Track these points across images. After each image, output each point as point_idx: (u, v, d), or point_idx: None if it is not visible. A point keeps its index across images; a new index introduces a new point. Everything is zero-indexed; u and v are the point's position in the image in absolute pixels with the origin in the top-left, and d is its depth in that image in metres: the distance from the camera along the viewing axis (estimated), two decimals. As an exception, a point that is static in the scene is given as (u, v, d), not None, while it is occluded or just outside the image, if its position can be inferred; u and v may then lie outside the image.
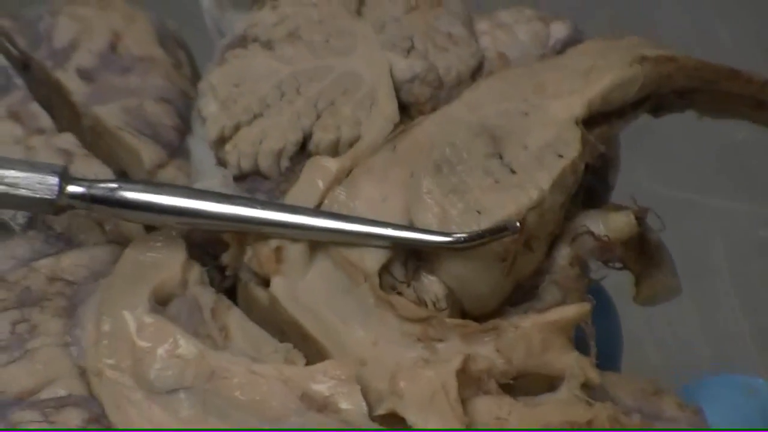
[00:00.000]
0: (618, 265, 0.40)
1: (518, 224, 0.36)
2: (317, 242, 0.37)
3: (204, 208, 0.37)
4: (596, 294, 0.41)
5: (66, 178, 0.37)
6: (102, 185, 0.37)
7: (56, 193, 0.37)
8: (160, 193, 0.37)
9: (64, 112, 0.40)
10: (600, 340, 0.38)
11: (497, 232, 0.37)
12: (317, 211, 0.37)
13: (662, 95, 0.41)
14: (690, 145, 0.72)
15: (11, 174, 0.37)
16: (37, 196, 0.37)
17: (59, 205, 0.37)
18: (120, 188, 0.37)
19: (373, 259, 0.37)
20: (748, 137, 0.74)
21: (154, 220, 0.38)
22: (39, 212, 0.38)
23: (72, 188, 0.37)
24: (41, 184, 0.37)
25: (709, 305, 0.67)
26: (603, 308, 0.43)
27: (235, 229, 0.38)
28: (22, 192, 0.37)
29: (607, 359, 0.40)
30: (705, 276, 0.68)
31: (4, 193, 0.37)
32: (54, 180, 0.37)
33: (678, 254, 0.41)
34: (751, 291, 0.69)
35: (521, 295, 0.39)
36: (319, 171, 0.38)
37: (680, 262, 0.42)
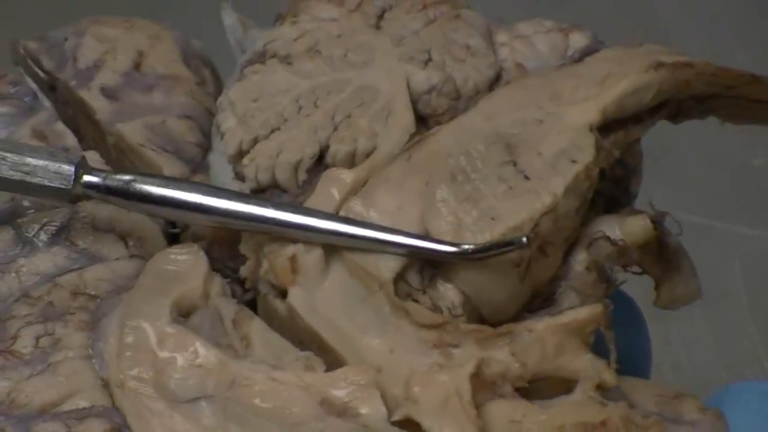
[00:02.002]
0: (637, 269, 0.40)
1: (525, 240, 0.36)
2: (332, 252, 0.37)
3: (219, 205, 0.37)
4: (626, 306, 0.42)
5: (83, 167, 0.37)
6: (118, 176, 0.37)
7: (71, 182, 0.37)
8: (176, 188, 0.37)
9: (89, 131, 0.40)
10: (628, 350, 0.39)
11: (504, 245, 0.37)
12: (332, 215, 0.38)
13: (681, 101, 0.41)
14: (707, 170, 0.72)
15: (29, 161, 0.37)
16: (53, 184, 0.37)
17: (74, 194, 0.37)
18: (135, 180, 0.37)
19: (387, 268, 0.37)
20: (765, 163, 0.74)
21: (169, 214, 0.38)
22: (55, 201, 0.38)
23: (88, 178, 0.37)
24: (57, 173, 0.37)
25: (725, 329, 0.67)
26: (632, 320, 0.43)
27: (250, 228, 0.38)
28: (37, 180, 0.37)
29: (636, 369, 0.40)
30: (722, 300, 0.68)
31: (20, 180, 0.37)
32: (69, 169, 0.37)
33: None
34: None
35: (540, 301, 0.39)
36: (335, 182, 0.38)
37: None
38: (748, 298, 0.69)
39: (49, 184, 0.37)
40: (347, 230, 0.37)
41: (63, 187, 0.37)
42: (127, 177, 0.37)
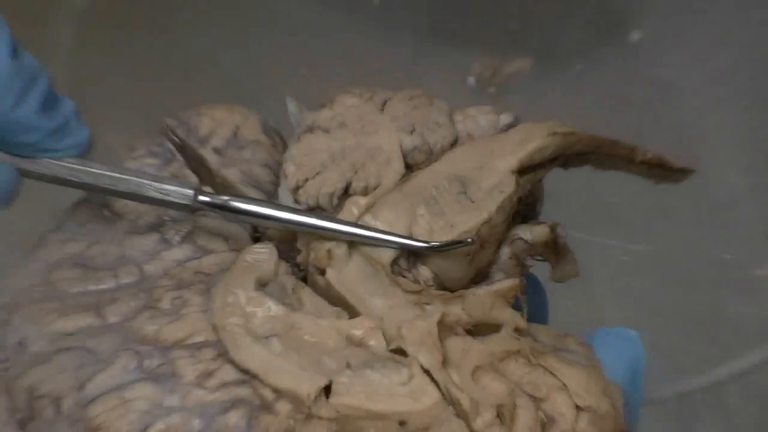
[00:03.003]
0: (540, 258, 0.40)
1: (470, 240, 0.37)
2: (353, 246, 0.37)
3: (284, 216, 0.37)
4: (533, 281, 0.42)
5: (198, 191, 0.37)
6: (220, 197, 0.37)
7: (192, 200, 0.37)
8: (257, 206, 0.37)
9: (205, 174, 0.40)
10: (534, 307, 0.39)
11: (459, 243, 0.37)
12: (353, 224, 0.37)
13: (567, 156, 0.41)
14: (581, 203, 0.69)
15: (166, 187, 0.37)
16: (181, 201, 0.37)
17: (193, 208, 0.37)
18: (231, 200, 0.37)
19: (387, 256, 0.37)
20: (619, 200, 0.71)
21: (253, 222, 0.38)
22: (182, 212, 0.38)
23: (201, 197, 0.37)
24: (183, 194, 0.37)
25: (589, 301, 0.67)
26: (536, 289, 0.42)
27: (303, 231, 0.38)
28: (171, 198, 0.37)
29: (539, 319, 0.40)
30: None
31: (160, 199, 0.37)
32: (191, 192, 0.37)
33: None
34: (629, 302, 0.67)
35: (481, 278, 0.39)
36: (355, 204, 0.38)
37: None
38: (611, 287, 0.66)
39: (178, 201, 0.37)
40: (362, 233, 0.37)
41: (187, 203, 0.37)
42: (225, 197, 0.37)
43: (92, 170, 0.36)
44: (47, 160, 0.36)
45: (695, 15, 0.78)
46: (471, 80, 0.75)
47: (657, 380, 0.64)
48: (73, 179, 0.36)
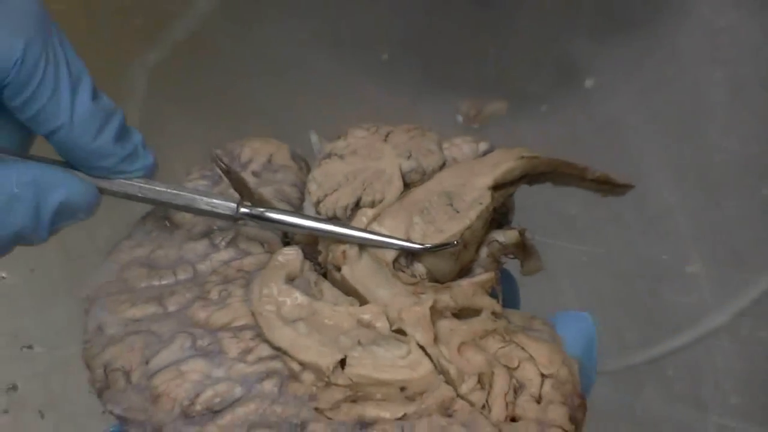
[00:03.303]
0: (512, 256, 0.40)
1: (455, 243, 0.37)
2: (363, 247, 0.38)
3: (308, 224, 0.38)
4: (506, 275, 0.42)
5: (240, 204, 0.38)
6: (257, 209, 0.38)
7: (234, 211, 0.37)
8: (287, 216, 0.38)
9: (245, 192, 0.40)
10: (507, 296, 0.39)
11: (446, 245, 0.37)
12: (363, 230, 0.38)
13: (532, 175, 0.41)
14: (546, 217, 0.70)
15: (214, 201, 0.37)
16: (225, 213, 0.37)
17: (236, 218, 0.38)
18: (266, 211, 0.38)
19: (390, 255, 0.38)
20: (578, 211, 0.72)
21: (283, 228, 0.38)
22: (226, 221, 0.38)
23: (242, 209, 0.37)
24: (227, 206, 0.37)
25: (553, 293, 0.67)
26: (509, 281, 0.42)
27: (324, 236, 0.38)
28: (218, 210, 0.37)
29: (511, 305, 0.40)
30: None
31: (209, 210, 0.37)
32: (233, 205, 0.37)
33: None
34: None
35: (464, 272, 0.39)
36: (364, 215, 0.38)
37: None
38: (570, 280, 0.66)
39: (224, 212, 0.38)
40: (371, 237, 0.38)
41: (231, 214, 0.38)
42: (262, 209, 0.38)
43: (155, 188, 0.37)
44: (120, 180, 0.37)
45: (636, 65, 0.81)
46: (459, 118, 0.77)
47: (608, 355, 0.65)
48: (140, 195, 0.37)
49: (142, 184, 0.37)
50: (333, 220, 0.39)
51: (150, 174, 0.37)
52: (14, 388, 0.60)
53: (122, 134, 0.35)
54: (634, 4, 0.84)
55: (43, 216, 0.33)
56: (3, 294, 0.63)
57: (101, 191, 0.36)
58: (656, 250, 0.70)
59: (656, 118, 0.78)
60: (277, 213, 0.38)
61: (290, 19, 0.82)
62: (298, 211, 0.40)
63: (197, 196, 0.37)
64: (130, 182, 0.37)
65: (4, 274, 0.64)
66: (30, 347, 0.61)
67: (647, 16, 0.83)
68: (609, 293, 0.68)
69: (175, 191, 0.37)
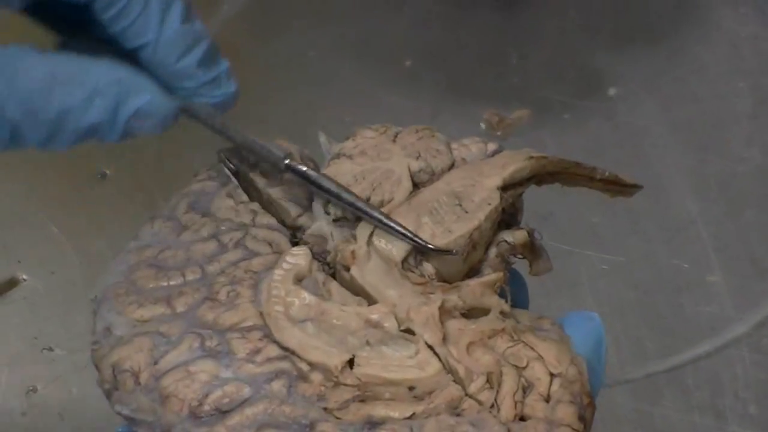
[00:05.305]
0: (521, 256, 0.41)
1: (455, 251, 0.37)
2: (371, 247, 0.37)
3: (337, 190, 0.38)
4: (515, 274, 0.42)
5: (288, 157, 0.39)
6: (300, 166, 0.39)
7: (281, 161, 0.39)
8: (323, 181, 0.38)
9: (254, 192, 0.41)
10: (516, 296, 0.39)
11: (448, 251, 0.37)
12: (385, 214, 0.38)
13: (541, 175, 0.41)
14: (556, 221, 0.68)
15: (267, 145, 0.39)
16: (276, 154, 0.39)
17: (281, 168, 0.39)
18: (308, 169, 0.39)
19: (398, 255, 0.38)
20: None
21: (316, 190, 0.39)
22: (272, 167, 0.39)
23: (287, 161, 0.39)
24: (277, 154, 0.39)
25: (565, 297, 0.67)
26: (518, 281, 0.42)
27: (346, 207, 0.38)
28: (270, 151, 0.39)
29: (519, 304, 0.40)
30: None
31: (261, 151, 0.39)
32: (282, 154, 0.39)
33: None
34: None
35: (473, 272, 0.39)
36: None
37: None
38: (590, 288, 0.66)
39: (274, 154, 0.39)
40: (387, 222, 0.38)
41: (277, 162, 0.39)
42: (303, 167, 0.39)
43: (222, 120, 0.39)
44: (198, 103, 0.38)
45: (659, 75, 0.81)
46: (482, 126, 0.77)
47: (627, 363, 0.65)
48: (209, 122, 0.39)
49: (215, 117, 0.39)
50: (342, 221, 0.39)
51: (230, 102, 0.38)
52: (34, 390, 0.60)
53: (208, 59, 0.36)
54: (658, 14, 0.84)
55: (120, 117, 0.34)
56: (23, 297, 0.64)
57: (181, 111, 0.37)
58: (677, 259, 0.71)
59: (679, 127, 0.78)
60: (318, 178, 0.39)
61: (313, 26, 0.83)
62: (341, 184, 0.39)
63: (256, 139, 0.39)
64: (205, 106, 0.38)
65: (25, 277, 0.64)
66: (50, 350, 0.61)
67: (670, 26, 0.83)
68: (629, 302, 0.68)
69: (236, 128, 0.39)
